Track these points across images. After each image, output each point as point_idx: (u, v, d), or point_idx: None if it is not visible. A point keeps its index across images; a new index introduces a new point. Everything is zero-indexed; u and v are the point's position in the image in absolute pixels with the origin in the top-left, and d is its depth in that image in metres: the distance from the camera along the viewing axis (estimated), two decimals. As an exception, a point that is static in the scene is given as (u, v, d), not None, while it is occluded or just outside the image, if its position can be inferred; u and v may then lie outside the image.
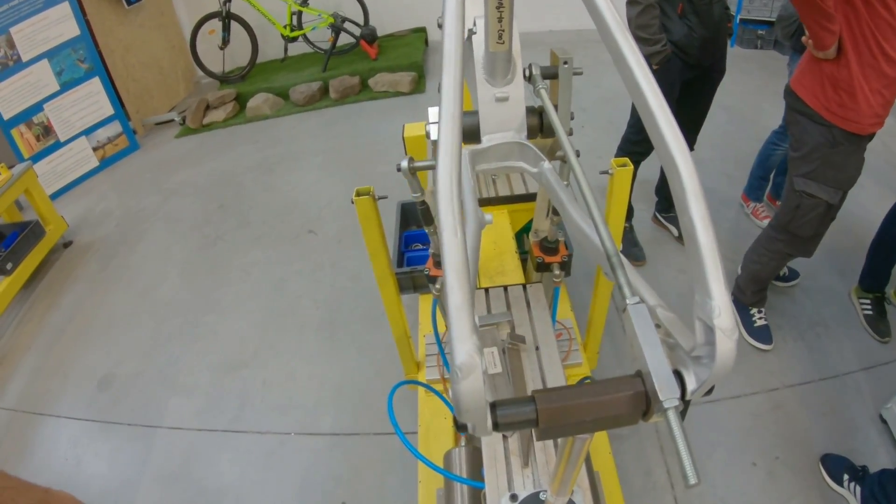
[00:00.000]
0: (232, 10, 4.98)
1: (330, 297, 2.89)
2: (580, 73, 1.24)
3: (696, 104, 2.66)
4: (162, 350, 2.71)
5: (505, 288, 1.68)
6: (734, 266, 2.67)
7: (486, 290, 1.68)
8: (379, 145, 4.20)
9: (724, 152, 3.64)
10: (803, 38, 1.90)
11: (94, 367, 2.66)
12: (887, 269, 2.51)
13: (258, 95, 4.87)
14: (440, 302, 1.56)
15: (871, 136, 1.94)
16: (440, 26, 1.75)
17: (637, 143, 2.73)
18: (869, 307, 2.54)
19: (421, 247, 2.53)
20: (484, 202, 2.26)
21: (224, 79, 5.28)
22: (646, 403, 0.55)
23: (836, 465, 2.05)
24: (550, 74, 1.20)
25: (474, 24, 1.08)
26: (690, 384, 0.54)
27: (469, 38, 1.10)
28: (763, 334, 2.44)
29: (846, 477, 2.01)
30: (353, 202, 1.44)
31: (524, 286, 1.75)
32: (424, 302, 2.26)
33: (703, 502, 1.96)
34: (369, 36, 5.17)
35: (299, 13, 5.16)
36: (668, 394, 0.52)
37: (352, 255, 3.13)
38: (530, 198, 2.27)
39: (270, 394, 2.44)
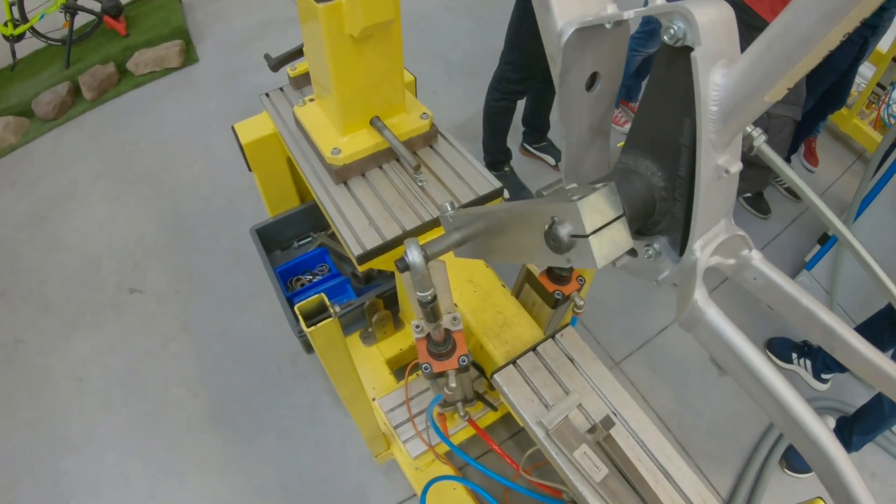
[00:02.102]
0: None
1: (203, 373, 2.39)
2: None
3: None
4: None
5: (534, 350, 1.27)
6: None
7: (514, 362, 1.24)
8: (170, 144, 3.46)
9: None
10: None
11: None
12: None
13: (-8, 123, 3.76)
14: None
15: None
16: None
17: (518, 82, 2.47)
18: None
19: (306, 282, 2.20)
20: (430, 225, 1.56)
21: (-62, 113, 4.00)
22: None
23: (782, 347, 2.29)
24: None
25: (680, 31, 0.57)
26: None
27: (673, 56, 0.61)
28: None
29: (794, 355, 2.24)
30: (304, 333, 1.07)
31: (553, 337, 1.30)
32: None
33: (697, 428, 2.20)
34: (113, 8, 4.13)
35: (20, 2, 3.95)
36: None
37: (201, 305, 2.62)
38: None
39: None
